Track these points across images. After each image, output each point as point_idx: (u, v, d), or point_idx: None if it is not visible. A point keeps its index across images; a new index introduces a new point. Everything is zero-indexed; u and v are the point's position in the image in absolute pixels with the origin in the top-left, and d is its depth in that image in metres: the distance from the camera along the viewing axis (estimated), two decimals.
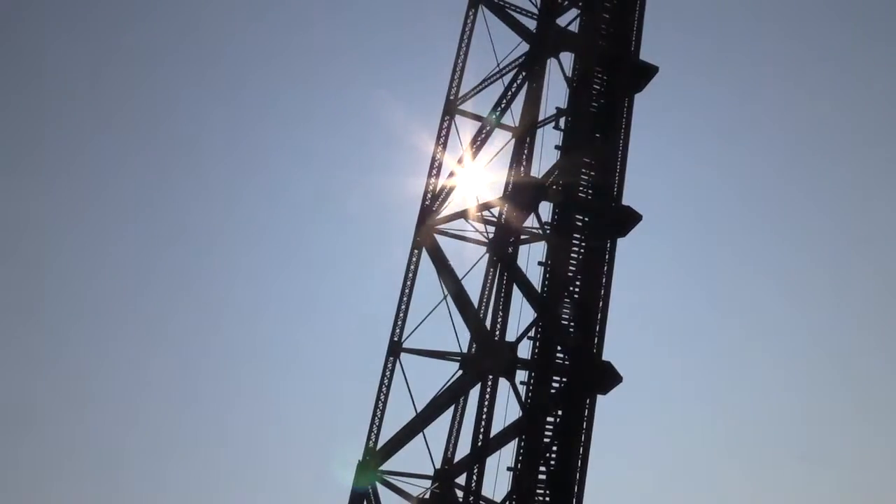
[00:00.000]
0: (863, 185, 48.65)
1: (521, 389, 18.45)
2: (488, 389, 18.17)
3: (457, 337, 22.76)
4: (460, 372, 22.72)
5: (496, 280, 23.12)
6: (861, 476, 41.90)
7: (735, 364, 47.80)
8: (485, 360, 18.11)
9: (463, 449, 23.02)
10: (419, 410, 21.82)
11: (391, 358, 22.43)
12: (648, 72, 19.12)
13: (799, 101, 49.29)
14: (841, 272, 48.62)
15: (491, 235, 22.50)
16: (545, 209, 19.88)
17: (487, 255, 22.67)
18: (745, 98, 49.74)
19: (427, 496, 21.47)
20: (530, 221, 18.95)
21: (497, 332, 18.40)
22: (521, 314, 20.91)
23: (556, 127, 19.12)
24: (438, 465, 22.46)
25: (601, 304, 18.68)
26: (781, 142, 49.72)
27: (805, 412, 45.68)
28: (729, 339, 48.60)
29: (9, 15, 42.26)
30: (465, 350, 22.92)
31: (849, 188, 49.10)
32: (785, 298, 48.68)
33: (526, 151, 18.95)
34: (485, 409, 18.11)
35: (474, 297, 22.74)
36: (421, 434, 22.01)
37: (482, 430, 18.11)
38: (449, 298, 21.73)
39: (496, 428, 21.30)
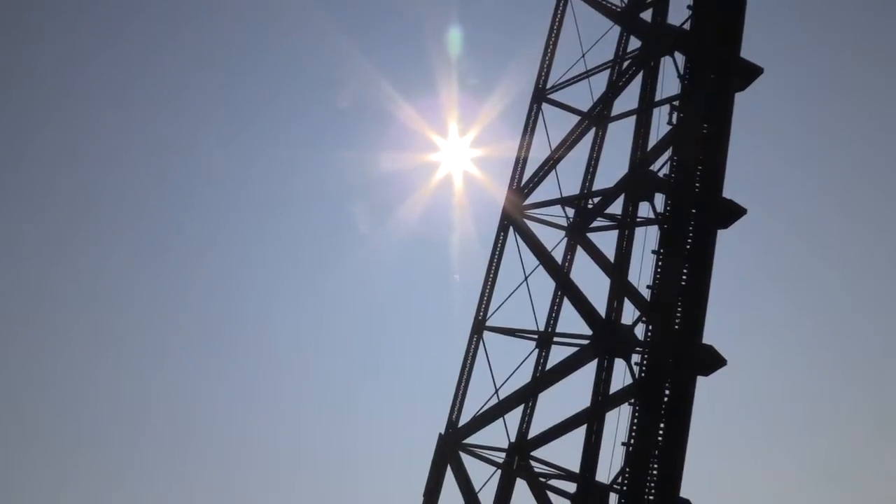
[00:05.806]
0: None
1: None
2: (604, 369, 19.19)
3: (535, 316, 23.84)
4: (537, 350, 24.10)
5: (570, 264, 24.31)
6: None
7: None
8: (609, 342, 19.07)
9: (537, 425, 24.07)
10: (499, 387, 22.90)
11: (475, 336, 23.36)
12: (754, 72, 20.19)
13: None
14: None
15: (571, 220, 23.54)
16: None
17: (566, 240, 23.70)
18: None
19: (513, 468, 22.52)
20: (645, 211, 19.92)
21: (613, 316, 19.39)
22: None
23: (670, 122, 20.06)
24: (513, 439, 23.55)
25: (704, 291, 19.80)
26: None
27: None
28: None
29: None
30: (542, 329, 23.97)
31: None
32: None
33: (641, 144, 19.88)
34: (601, 389, 19.16)
35: (545, 280, 23.83)
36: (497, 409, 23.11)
37: (598, 409, 19.12)
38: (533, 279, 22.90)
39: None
